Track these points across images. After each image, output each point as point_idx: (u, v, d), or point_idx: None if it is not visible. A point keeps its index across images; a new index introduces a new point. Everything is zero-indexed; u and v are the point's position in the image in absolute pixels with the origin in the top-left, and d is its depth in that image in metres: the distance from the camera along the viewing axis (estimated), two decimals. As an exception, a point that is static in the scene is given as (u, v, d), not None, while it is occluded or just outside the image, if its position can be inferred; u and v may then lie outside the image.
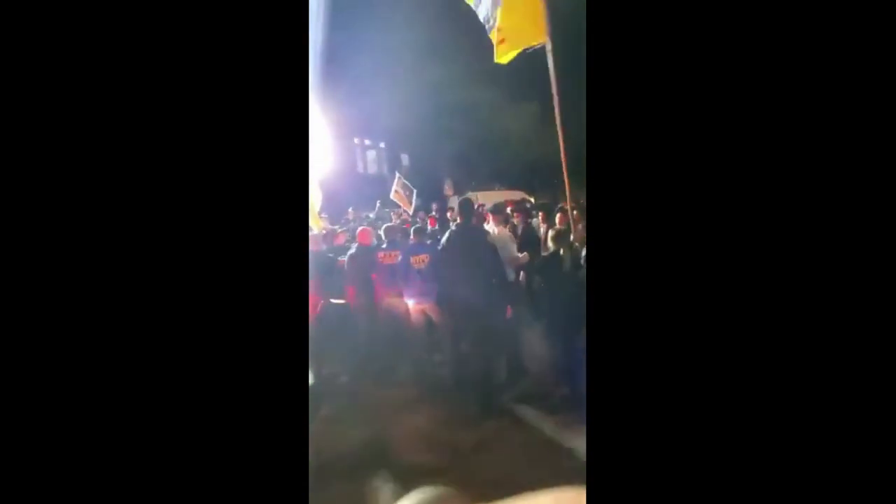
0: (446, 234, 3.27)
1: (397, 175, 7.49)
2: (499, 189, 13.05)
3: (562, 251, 3.24)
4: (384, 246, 3.96)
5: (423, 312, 3.56)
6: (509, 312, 3.14)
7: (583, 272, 3.18)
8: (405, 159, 16.43)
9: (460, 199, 3.50)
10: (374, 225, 4.93)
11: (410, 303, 3.64)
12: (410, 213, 7.23)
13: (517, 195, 11.25)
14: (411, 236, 3.96)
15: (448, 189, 14.37)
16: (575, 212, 4.22)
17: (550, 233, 3.54)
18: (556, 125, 3.66)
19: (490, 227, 3.79)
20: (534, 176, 13.33)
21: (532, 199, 9.88)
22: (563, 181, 4.01)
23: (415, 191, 7.44)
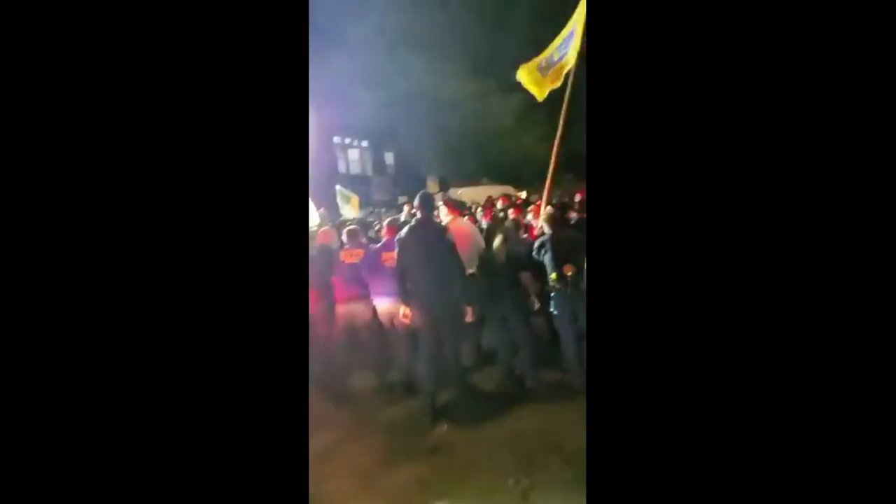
0: (404, 230, 3.14)
1: (337, 188, 7.44)
2: (486, 184, 12.69)
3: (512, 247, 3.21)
4: (346, 245, 3.61)
5: (391, 314, 3.31)
6: (470, 315, 3.06)
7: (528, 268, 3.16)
8: (389, 157, 16.01)
9: (420, 193, 3.22)
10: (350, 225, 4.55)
11: (380, 303, 3.36)
12: (357, 217, 7.13)
13: (503, 190, 10.92)
14: (384, 229, 3.58)
15: (431, 185, 13.96)
16: (544, 207, 4.05)
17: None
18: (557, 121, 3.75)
19: (445, 217, 3.66)
20: (521, 170, 12.97)
21: (522, 195, 9.53)
22: (547, 176, 3.90)
23: (355, 196, 7.41)
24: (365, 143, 15.53)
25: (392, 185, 12.74)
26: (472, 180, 13.33)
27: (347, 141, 15.17)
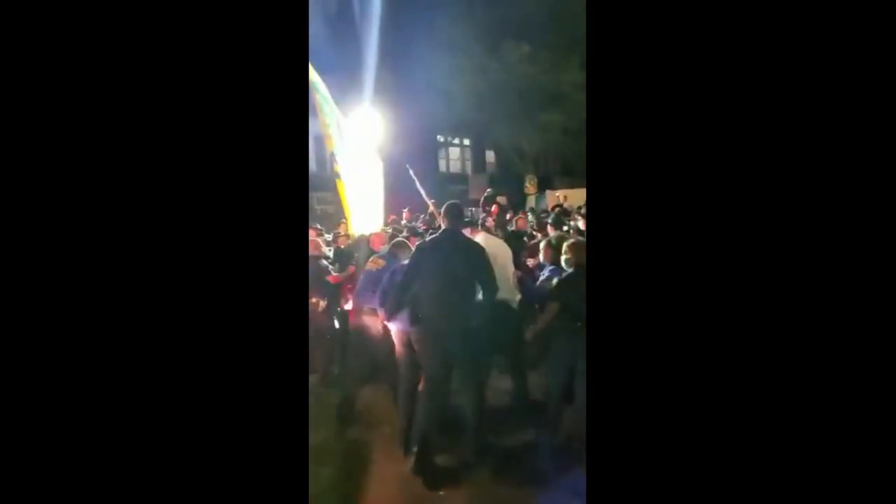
0: (427, 242, 2.68)
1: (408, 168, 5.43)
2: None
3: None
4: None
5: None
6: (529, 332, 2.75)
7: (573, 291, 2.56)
8: (490, 156, 15.64)
9: (447, 203, 2.69)
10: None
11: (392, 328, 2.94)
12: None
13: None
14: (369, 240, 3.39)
15: (529, 186, 13.24)
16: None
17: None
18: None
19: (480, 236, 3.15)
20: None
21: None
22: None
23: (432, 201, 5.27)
24: (467, 141, 15.36)
25: (489, 184, 12.33)
26: (580, 181, 12.38)
27: (449, 139, 15.15)
